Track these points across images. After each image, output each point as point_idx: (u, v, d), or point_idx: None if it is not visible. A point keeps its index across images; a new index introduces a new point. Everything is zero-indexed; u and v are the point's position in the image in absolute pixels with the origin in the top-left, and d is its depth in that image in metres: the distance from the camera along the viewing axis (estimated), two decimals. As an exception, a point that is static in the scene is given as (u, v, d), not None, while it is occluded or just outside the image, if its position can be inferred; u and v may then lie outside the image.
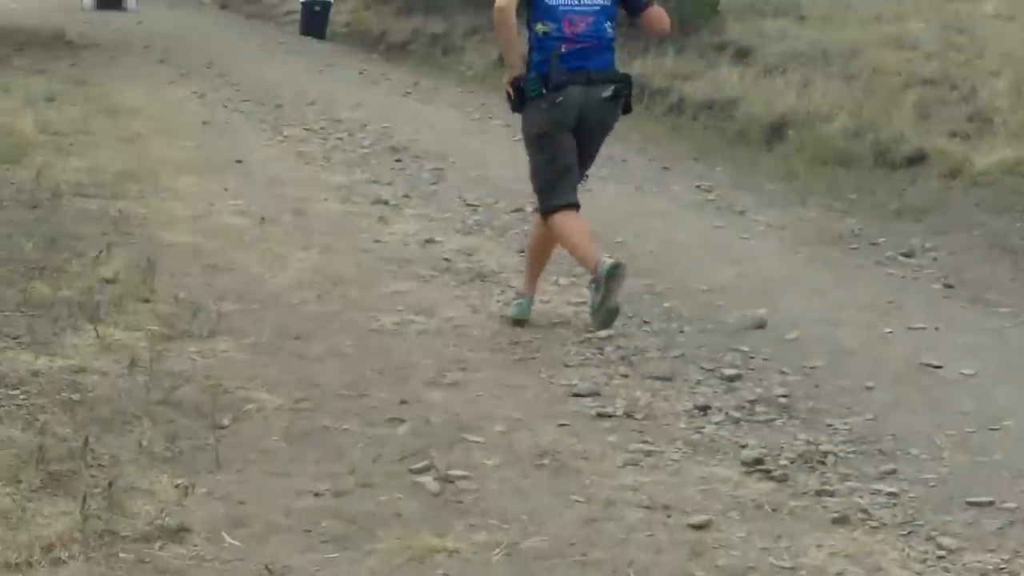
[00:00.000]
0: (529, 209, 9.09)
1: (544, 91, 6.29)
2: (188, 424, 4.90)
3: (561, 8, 6.31)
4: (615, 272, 6.20)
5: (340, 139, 12.05)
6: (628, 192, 10.03)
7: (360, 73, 17.65)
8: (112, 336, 5.76)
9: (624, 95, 6.49)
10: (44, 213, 8.12)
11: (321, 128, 12.64)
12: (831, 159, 10.70)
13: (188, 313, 6.22)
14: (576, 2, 6.33)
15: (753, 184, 10.29)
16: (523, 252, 7.86)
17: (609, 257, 6.27)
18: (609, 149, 11.83)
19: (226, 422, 4.95)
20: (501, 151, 11.31)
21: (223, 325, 6.13)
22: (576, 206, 6.47)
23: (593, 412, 5.27)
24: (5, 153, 9.83)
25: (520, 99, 6.39)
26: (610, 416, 5.23)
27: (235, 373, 5.51)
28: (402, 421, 5.08)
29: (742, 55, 14.31)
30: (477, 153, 11.41)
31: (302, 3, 23.95)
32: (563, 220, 6.41)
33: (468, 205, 9.25)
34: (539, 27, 6.34)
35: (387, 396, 5.35)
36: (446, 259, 7.71)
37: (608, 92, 6.39)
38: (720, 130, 12.44)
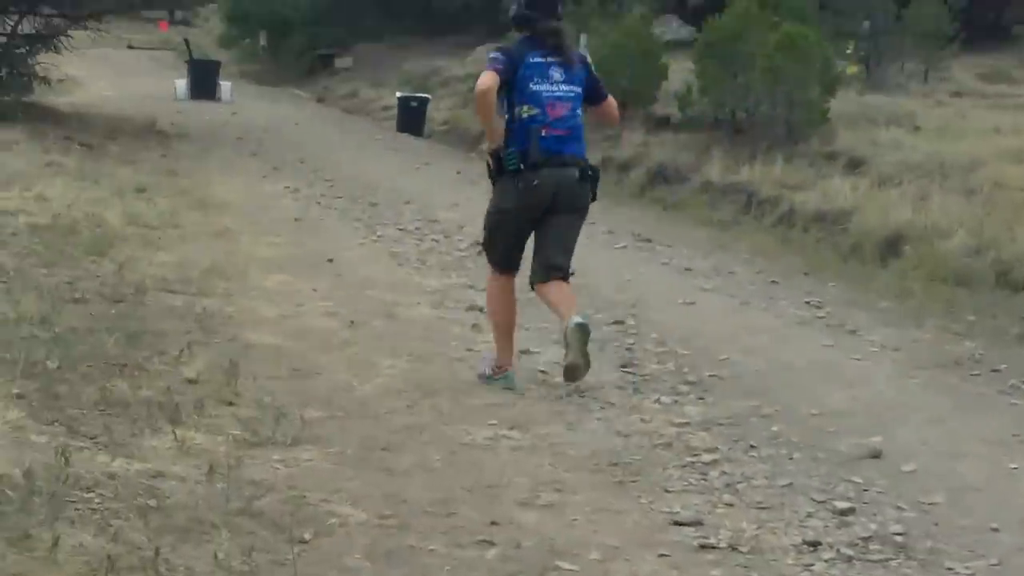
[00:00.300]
0: (631, 321, 9.03)
1: (521, 167, 7.06)
2: (267, 537, 4.81)
3: (544, 94, 7.10)
4: (510, 383, 7.23)
5: (436, 240, 12.08)
6: (734, 306, 9.90)
7: (457, 173, 17.77)
8: (192, 440, 5.70)
9: (592, 180, 7.28)
10: (127, 308, 8.14)
11: (416, 228, 12.70)
12: (949, 278, 10.49)
13: (271, 418, 6.15)
14: (557, 89, 7.14)
15: (866, 302, 10.11)
16: (624, 367, 7.79)
17: (510, 369, 7.30)
18: (715, 260, 11.83)
19: (307, 536, 4.86)
20: (599, 259, 11.25)
21: (307, 433, 6.06)
22: (515, 271, 7.50)
23: (695, 543, 5.11)
24: (91, 245, 9.92)
25: (499, 170, 7.19)
26: (713, 548, 5.07)
27: (318, 484, 5.42)
28: (492, 544, 4.95)
29: (854, 165, 14.19)
30: (576, 260, 11.29)
31: (399, 99, 24.24)
32: (502, 291, 7.47)
33: (566, 314, 9.15)
34: (524, 110, 7.09)
35: (477, 516, 5.23)
36: (542, 371, 7.61)
37: (577, 173, 7.18)
38: (832, 243, 12.29)
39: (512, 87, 7.04)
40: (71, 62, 35.23)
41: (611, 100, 7.55)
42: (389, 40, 32.82)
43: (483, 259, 11.16)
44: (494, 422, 6.52)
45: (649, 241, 12.53)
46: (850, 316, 9.58)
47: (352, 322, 8.51)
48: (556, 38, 7.19)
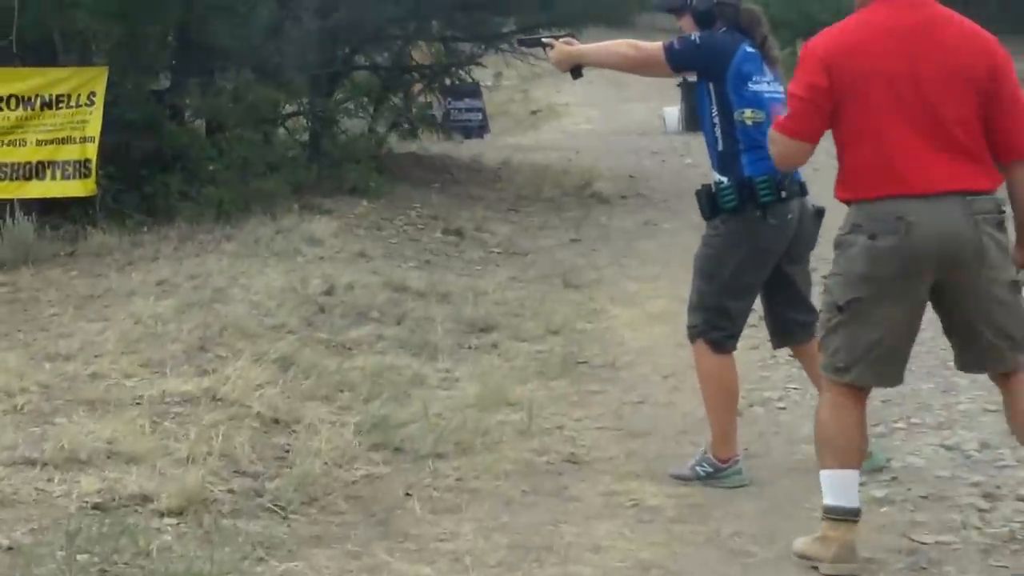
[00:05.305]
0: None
1: (780, 196, 5.36)
2: None
3: (766, 95, 5.46)
4: (742, 477, 5.49)
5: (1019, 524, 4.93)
6: None
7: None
8: None
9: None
10: None
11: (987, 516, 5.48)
12: None
13: None
14: (776, 90, 5.47)
15: None
16: None
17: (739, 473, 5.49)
18: None
19: None
20: None
21: None
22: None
23: None
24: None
25: (744, 201, 5.35)
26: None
27: None
28: None
29: None
30: None
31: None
32: (725, 367, 5.53)
33: None
34: (747, 114, 5.43)
35: None
36: None
37: (817, 204, 5.64)
38: None
39: (724, 83, 5.40)
40: (570, 87, 30.22)
41: None
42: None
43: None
44: None
45: None
46: None
47: None
48: (764, 27, 5.58)
